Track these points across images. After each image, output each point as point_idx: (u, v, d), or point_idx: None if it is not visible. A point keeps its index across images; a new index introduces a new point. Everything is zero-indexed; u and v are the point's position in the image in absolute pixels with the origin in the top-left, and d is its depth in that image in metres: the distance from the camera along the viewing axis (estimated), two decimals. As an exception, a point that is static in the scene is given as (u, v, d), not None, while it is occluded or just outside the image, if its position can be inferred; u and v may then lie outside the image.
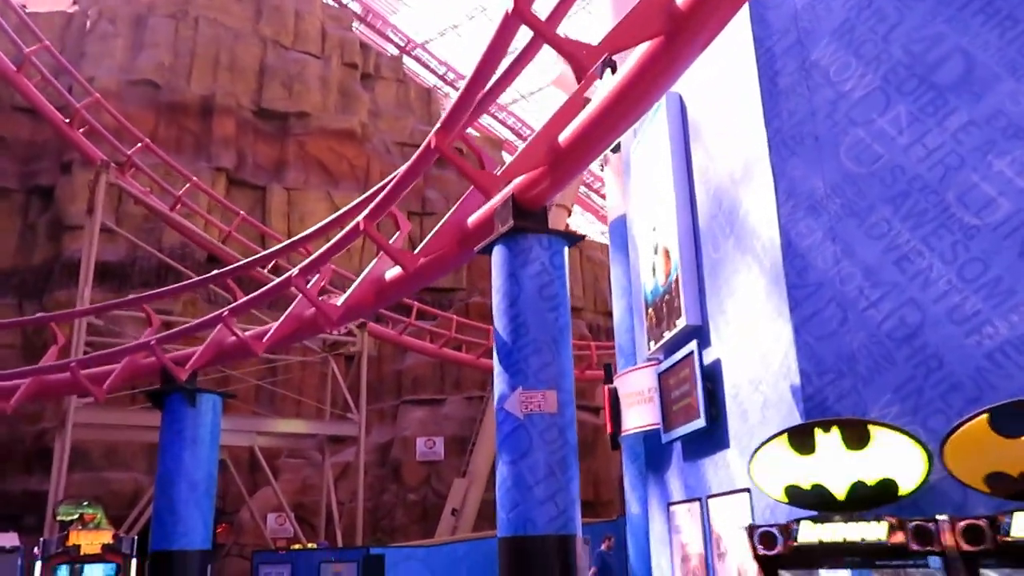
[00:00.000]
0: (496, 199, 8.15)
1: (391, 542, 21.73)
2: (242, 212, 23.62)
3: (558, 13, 7.96)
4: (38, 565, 12.96)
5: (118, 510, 19.88)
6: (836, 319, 5.83)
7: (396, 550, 15.40)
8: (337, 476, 23.77)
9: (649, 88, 6.38)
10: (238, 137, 30.11)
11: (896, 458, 4.90)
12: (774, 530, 5.06)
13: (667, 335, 8.15)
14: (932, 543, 4.59)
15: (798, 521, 5.01)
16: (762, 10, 6.80)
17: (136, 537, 13.76)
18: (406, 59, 39.06)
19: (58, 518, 15.15)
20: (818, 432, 5.07)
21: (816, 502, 5.10)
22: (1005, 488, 4.50)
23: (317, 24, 34.13)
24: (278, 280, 12.29)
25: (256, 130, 30.87)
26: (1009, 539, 4.22)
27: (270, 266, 19.01)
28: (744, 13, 6.79)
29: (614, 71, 8.27)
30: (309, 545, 19.02)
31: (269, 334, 12.25)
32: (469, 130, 8.94)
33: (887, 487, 4.91)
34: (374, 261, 10.66)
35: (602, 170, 13.76)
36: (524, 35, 7.59)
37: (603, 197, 39.96)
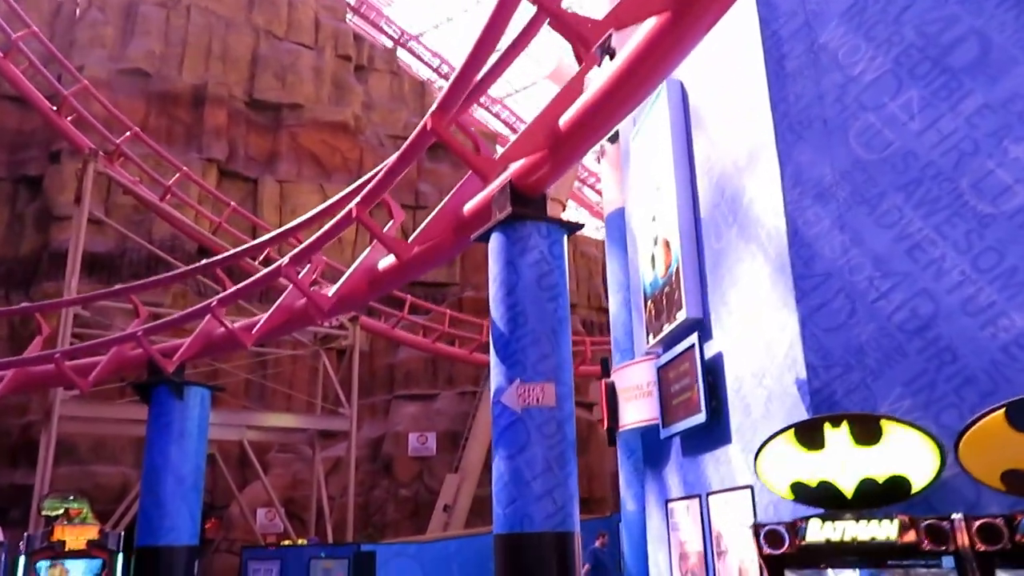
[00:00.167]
0: (493, 185, 7.92)
1: (382, 538, 21.52)
2: (233, 203, 23.29)
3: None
4: (22, 560, 12.70)
5: (105, 505, 19.62)
6: (844, 310, 5.63)
7: (387, 546, 15.19)
8: (328, 471, 23.54)
9: (655, 68, 6.14)
10: (230, 128, 29.75)
11: (908, 455, 4.71)
12: (781, 528, 4.87)
13: (667, 328, 7.94)
14: (946, 543, 4.41)
15: (806, 519, 4.82)
16: (768, -9, 6.59)
17: (123, 533, 13.51)
18: (400, 51, 38.75)
19: (43, 512, 14.89)
20: (827, 427, 4.88)
21: (823, 499, 4.91)
22: (1022, 486, 4.31)
23: (310, 14, 33.79)
24: (268, 269, 12.02)
25: (248, 121, 30.53)
26: (1026, 539, 4.05)
27: (261, 257, 18.74)
28: (750, -5, 6.59)
29: (612, 58, 8.06)
30: (299, 541, 18.80)
31: (259, 325, 12.00)
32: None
33: (898, 484, 4.72)
34: (367, 250, 10.41)
35: (598, 163, 13.53)
36: (525, 13, 7.34)
37: (597, 192, 39.80)
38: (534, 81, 39.77)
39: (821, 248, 5.82)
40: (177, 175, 21.67)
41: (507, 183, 7.57)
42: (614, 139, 11.68)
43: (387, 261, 10.23)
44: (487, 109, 40.07)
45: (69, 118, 20.79)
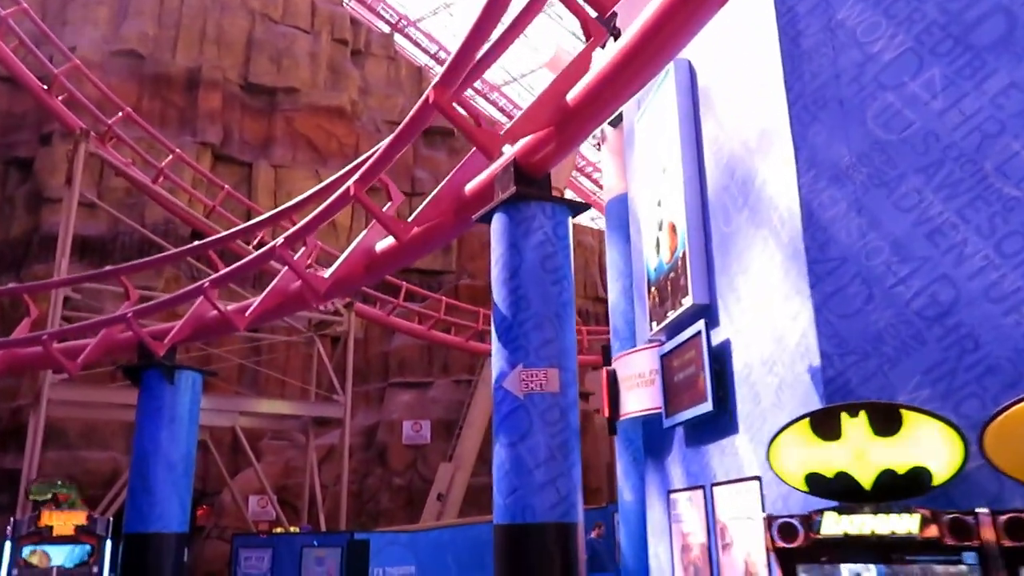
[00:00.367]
0: (496, 164, 7.67)
1: (375, 527, 21.37)
2: (227, 186, 22.97)
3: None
4: (7, 545, 12.50)
5: (95, 490, 19.42)
6: (861, 296, 5.43)
7: (380, 535, 15.01)
8: (321, 459, 23.36)
9: (669, 38, 5.87)
10: (224, 112, 29.38)
11: (929, 446, 4.52)
12: (795, 521, 4.69)
13: (671, 315, 7.74)
14: (970, 538, 4.24)
15: (821, 512, 4.63)
16: (784, -33, 6.36)
17: (112, 519, 13.31)
18: (397, 37, 38.33)
19: (30, 497, 14.70)
20: (844, 417, 4.69)
21: (840, 492, 4.72)
22: (1051, 479, 4.14)
23: (307, -2, 33.39)
24: (262, 249, 11.73)
25: (243, 105, 30.16)
26: (1055, 535, 3.88)
27: (255, 242, 18.46)
28: (765, -29, 6.35)
29: (616, 38, 7.81)
30: (291, 529, 18.63)
31: (252, 308, 11.74)
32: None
33: (919, 477, 4.54)
34: (364, 232, 10.16)
35: (598, 149, 13.29)
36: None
37: (594, 182, 39.55)
38: (532, 70, 39.44)
39: (837, 232, 5.61)
40: (170, 157, 21.34)
41: (511, 161, 7.33)
42: (616, 123, 11.46)
43: (385, 243, 9.98)
44: (484, 96, 39.73)
45: (60, 98, 20.43)
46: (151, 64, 28.92)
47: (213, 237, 15.40)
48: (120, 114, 20.65)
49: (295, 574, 13.55)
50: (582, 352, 23.45)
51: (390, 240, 9.74)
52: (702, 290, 7.23)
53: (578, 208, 7.87)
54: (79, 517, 12.93)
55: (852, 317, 5.42)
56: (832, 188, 5.70)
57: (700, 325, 7.00)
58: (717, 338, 7.02)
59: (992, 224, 5.14)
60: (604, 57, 6.47)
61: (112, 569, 12.89)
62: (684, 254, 7.47)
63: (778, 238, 6.06)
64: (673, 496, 7.88)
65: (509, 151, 7.57)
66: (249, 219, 23.74)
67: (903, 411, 4.58)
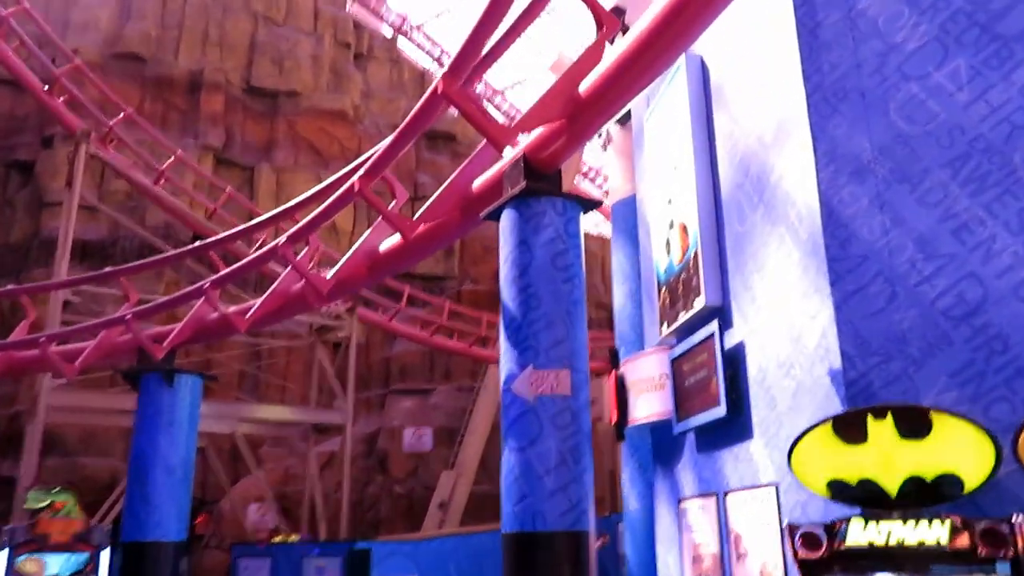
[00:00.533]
0: (505, 160, 7.44)
1: (376, 536, 21.10)
2: (229, 188, 22.79)
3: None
4: (4, 554, 12.26)
5: (93, 497, 19.18)
6: (884, 295, 5.21)
7: (382, 544, 14.76)
8: (322, 466, 23.10)
9: (688, 25, 5.63)
10: (226, 115, 29.25)
11: (960, 451, 4.30)
12: (818, 530, 4.46)
13: (683, 316, 7.52)
14: (1004, 547, 4.01)
15: (846, 520, 4.41)
16: (801, -44, 6.16)
17: (110, 526, 13.07)
18: (400, 40, 38.23)
19: (27, 505, 14.44)
20: (869, 420, 4.47)
21: (865, 498, 4.50)
22: (1090, 487, 3.92)
23: (310, 1, 33.29)
24: (264, 248, 11.50)
25: (245, 108, 30.03)
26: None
27: (257, 244, 18.26)
28: (781, -40, 6.16)
29: (624, 32, 7.62)
30: (291, 537, 18.36)
31: (253, 310, 11.52)
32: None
33: (948, 483, 4.32)
34: (367, 232, 9.95)
35: (604, 150, 13.10)
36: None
37: (598, 187, 39.34)
38: (535, 74, 39.35)
39: (858, 228, 5.39)
40: (171, 159, 21.18)
41: (520, 157, 7.10)
42: (623, 122, 11.26)
43: (389, 243, 9.77)
44: (488, 100, 39.61)
45: (61, 99, 20.28)
46: (153, 66, 28.81)
47: (214, 238, 15.19)
48: (121, 115, 20.49)
49: (295, 584, 13.32)
50: (586, 358, 23.20)
51: (394, 239, 9.52)
52: (715, 291, 7.02)
53: (589, 205, 7.65)
54: (76, 525, 12.68)
55: (874, 317, 5.20)
56: (853, 183, 5.49)
57: (713, 327, 6.78)
58: (731, 340, 6.80)
59: (1022, 219, 4.93)
60: (617, 48, 6.26)
61: (109, 578, 12.65)
62: (696, 254, 7.25)
63: (796, 235, 5.85)
64: (684, 504, 7.65)
65: (518, 147, 7.35)
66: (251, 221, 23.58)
67: (932, 414, 4.36)
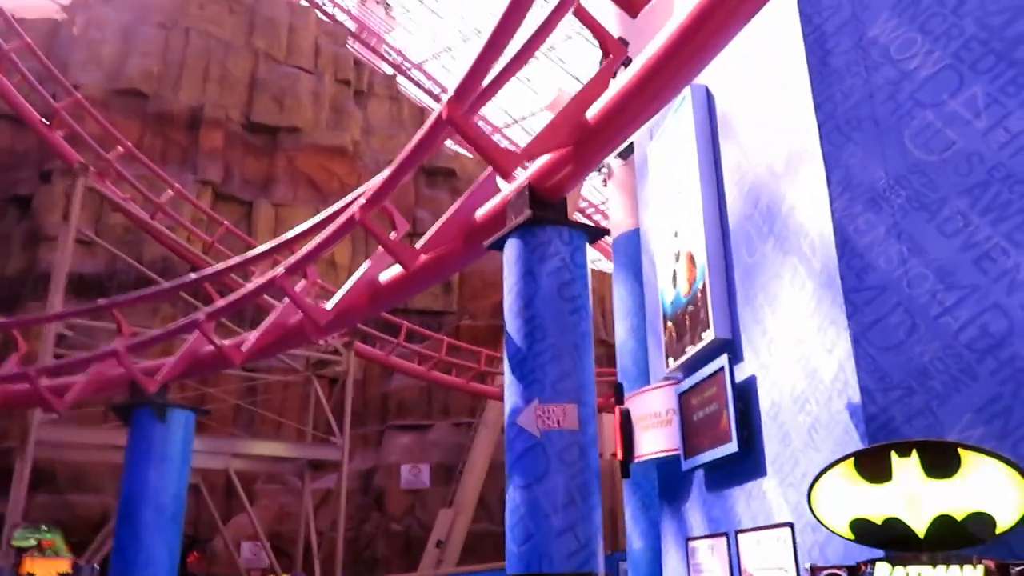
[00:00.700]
0: (509, 189, 7.31)
1: (372, 575, 20.61)
2: (226, 222, 22.68)
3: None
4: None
5: (83, 536, 18.72)
6: (903, 327, 5.04)
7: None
8: (317, 504, 22.65)
9: (700, 48, 5.52)
10: (226, 150, 29.27)
11: (991, 489, 4.10)
12: (843, 573, 4.24)
13: (690, 350, 7.34)
14: (1041, 592, 3.80)
15: (871, 562, 4.19)
16: (810, -16, 6.10)
17: (97, 566, 12.73)
18: (400, 78, 38.51)
19: (13, 543, 14.07)
20: (894, 456, 4.27)
21: (890, 540, 4.29)
22: None
23: (311, 39, 33.52)
24: (262, 279, 11.30)
25: (245, 144, 30.07)
26: None
27: (254, 277, 18.07)
28: (789, -12, 6.10)
29: (627, 66, 7.55)
30: (285, 577, 17.92)
31: (249, 343, 11.29)
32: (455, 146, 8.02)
33: (979, 523, 4.11)
34: (367, 262, 9.77)
35: (604, 185, 13.02)
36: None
37: (595, 223, 39.30)
38: (533, 112, 39.55)
39: (875, 259, 5.24)
40: (169, 192, 21.09)
41: (526, 186, 6.96)
42: (624, 155, 11.17)
43: (390, 273, 9.58)
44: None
45: (61, 133, 20.25)
46: (154, 102, 28.89)
47: (209, 269, 14.98)
48: (120, 149, 20.44)
49: (288, 625, 12.91)
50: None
51: (395, 270, 9.34)
52: (724, 323, 6.85)
53: (596, 234, 7.50)
54: (63, 565, 12.38)
55: (894, 350, 5.03)
56: (868, 212, 5.35)
57: (723, 360, 6.60)
58: (741, 374, 6.61)
59: (1046, 249, 4.79)
60: (624, 76, 6.17)
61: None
62: (704, 286, 7.10)
63: (809, 266, 5.70)
64: (692, 544, 7.39)
65: (522, 175, 7.22)
66: (249, 257, 23.41)
67: (960, 450, 4.16)
